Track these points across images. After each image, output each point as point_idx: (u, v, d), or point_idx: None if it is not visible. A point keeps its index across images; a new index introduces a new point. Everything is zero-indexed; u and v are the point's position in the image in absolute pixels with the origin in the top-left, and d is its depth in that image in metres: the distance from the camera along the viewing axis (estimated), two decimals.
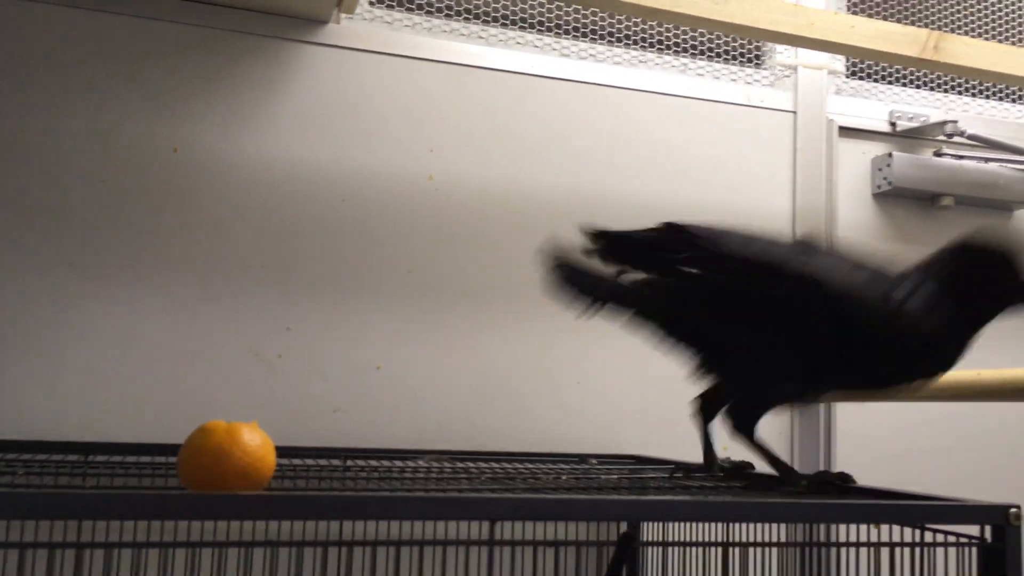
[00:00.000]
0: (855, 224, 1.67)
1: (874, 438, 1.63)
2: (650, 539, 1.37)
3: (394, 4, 1.48)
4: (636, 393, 1.51)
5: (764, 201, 1.62)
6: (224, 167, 1.36)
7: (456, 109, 1.48)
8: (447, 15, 1.51)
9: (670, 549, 1.26)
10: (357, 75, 1.44)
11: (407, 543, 0.70)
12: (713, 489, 1.06)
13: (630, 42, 1.60)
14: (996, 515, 0.83)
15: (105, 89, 1.33)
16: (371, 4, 1.46)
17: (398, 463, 1.28)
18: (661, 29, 1.62)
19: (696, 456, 1.52)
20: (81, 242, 1.30)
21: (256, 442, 0.78)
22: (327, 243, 1.40)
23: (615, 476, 1.18)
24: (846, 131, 1.68)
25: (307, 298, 1.38)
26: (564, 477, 1.13)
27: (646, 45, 1.61)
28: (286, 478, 1.03)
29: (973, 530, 0.85)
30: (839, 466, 1.61)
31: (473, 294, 1.45)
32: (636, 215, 1.54)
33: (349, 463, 1.24)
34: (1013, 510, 0.82)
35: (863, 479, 1.63)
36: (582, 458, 1.42)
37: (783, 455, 1.57)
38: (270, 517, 0.65)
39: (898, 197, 1.69)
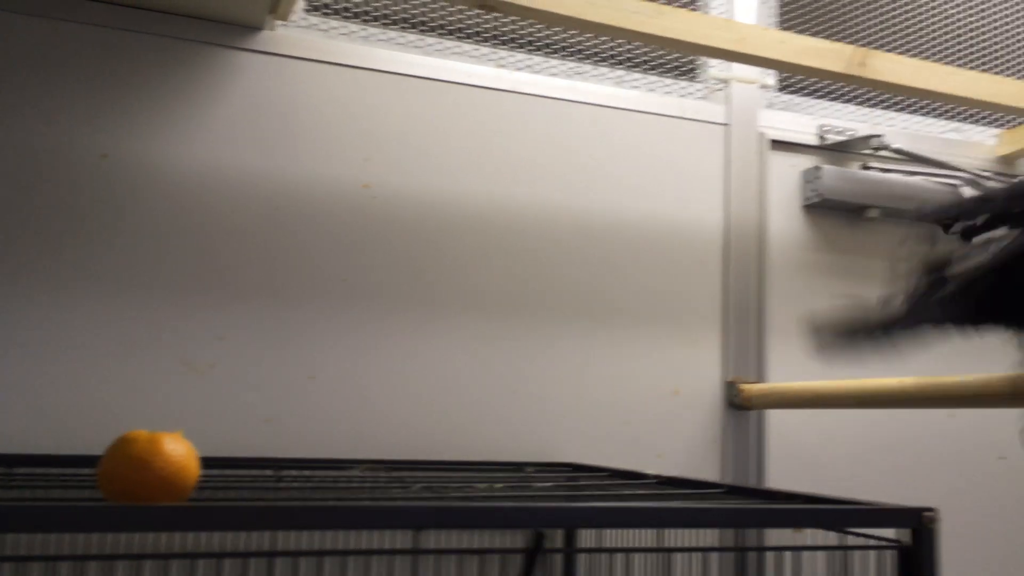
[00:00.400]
0: (785, 235, 1.71)
1: (804, 446, 1.66)
2: (586, 546, 1.38)
3: (330, 12, 1.48)
4: (574, 401, 1.52)
5: (697, 212, 1.64)
6: (154, 174, 1.34)
7: (392, 118, 1.48)
8: (384, 24, 1.51)
9: (602, 556, 1.27)
10: (292, 83, 1.43)
11: (329, 553, 0.69)
12: (645, 496, 1.07)
13: (567, 54, 1.62)
14: (912, 518, 0.85)
15: (31, 95, 1.30)
16: (307, 11, 1.46)
17: (332, 473, 1.27)
18: (598, 41, 1.64)
19: (633, 463, 1.54)
20: (2, 249, 1.26)
21: (179, 452, 0.77)
22: (261, 252, 1.38)
23: (550, 484, 1.19)
24: (777, 144, 1.72)
25: (240, 307, 1.36)
26: (499, 486, 1.13)
27: (583, 57, 1.63)
28: (213, 489, 1.02)
29: (899, 533, 0.87)
30: (770, 474, 1.64)
31: (409, 304, 1.45)
32: (572, 225, 1.56)
33: (282, 473, 1.23)
34: (927, 513, 0.85)
35: (794, 486, 1.67)
36: (519, 467, 1.42)
37: (714, 464, 1.60)
38: (189, 528, 0.64)
39: (827, 209, 1.73)
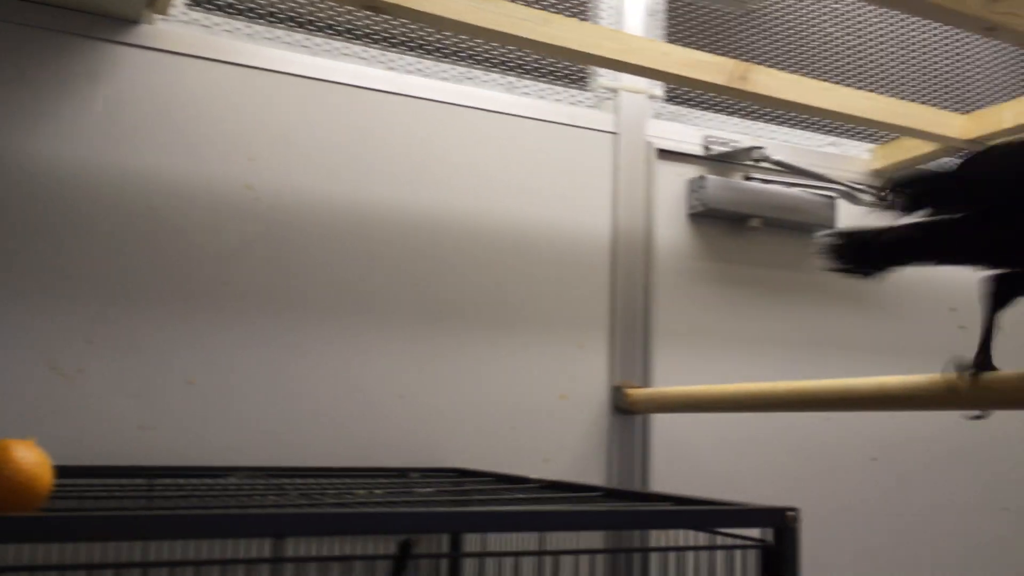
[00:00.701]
0: (671, 243, 1.74)
1: (690, 449, 1.70)
2: (472, 550, 1.37)
3: (213, 7, 1.44)
4: (462, 407, 1.52)
5: (586, 219, 1.66)
6: (24, 169, 1.28)
7: (278, 119, 1.45)
8: (270, 22, 1.48)
9: (488, 560, 1.27)
10: (172, 79, 1.38)
11: (181, 564, 0.67)
12: (523, 500, 1.08)
13: (458, 58, 1.62)
14: (775, 518, 0.88)
15: None
16: (188, 6, 1.42)
17: (208, 481, 1.23)
18: (490, 46, 1.65)
19: (521, 468, 1.54)
20: None
21: (30, 460, 0.73)
22: (135, 252, 1.33)
23: (431, 489, 1.18)
24: (664, 153, 1.76)
25: (113, 310, 1.31)
26: (379, 492, 1.12)
27: (474, 62, 1.63)
28: (78, 498, 0.97)
29: (767, 532, 0.90)
30: (656, 477, 1.67)
31: (292, 307, 1.42)
32: (459, 230, 1.56)
33: (156, 482, 1.19)
34: (790, 513, 0.88)
35: (679, 489, 1.70)
36: (402, 472, 1.41)
37: (600, 468, 1.62)
38: (36, 540, 0.61)
39: (711, 218, 1.78)
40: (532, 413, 1.58)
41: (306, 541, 1.13)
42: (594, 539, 1.52)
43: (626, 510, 0.88)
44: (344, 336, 1.45)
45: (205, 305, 1.36)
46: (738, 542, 0.90)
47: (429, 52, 1.60)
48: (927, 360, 1.95)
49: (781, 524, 0.87)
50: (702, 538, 0.94)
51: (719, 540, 0.93)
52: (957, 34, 2.10)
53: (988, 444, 2.01)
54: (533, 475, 1.47)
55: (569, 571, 1.25)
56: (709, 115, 1.83)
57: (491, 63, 1.65)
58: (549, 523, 0.81)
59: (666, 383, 1.69)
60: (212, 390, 1.35)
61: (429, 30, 1.60)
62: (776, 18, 1.92)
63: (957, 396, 1.05)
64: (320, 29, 1.52)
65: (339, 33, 1.53)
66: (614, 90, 1.72)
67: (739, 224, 1.80)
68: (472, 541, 1.42)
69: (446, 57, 1.61)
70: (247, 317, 1.39)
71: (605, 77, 1.72)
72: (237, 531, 0.61)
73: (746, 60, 1.77)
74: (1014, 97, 1.63)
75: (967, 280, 2.07)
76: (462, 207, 1.57)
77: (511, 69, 1.66)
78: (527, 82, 1.67)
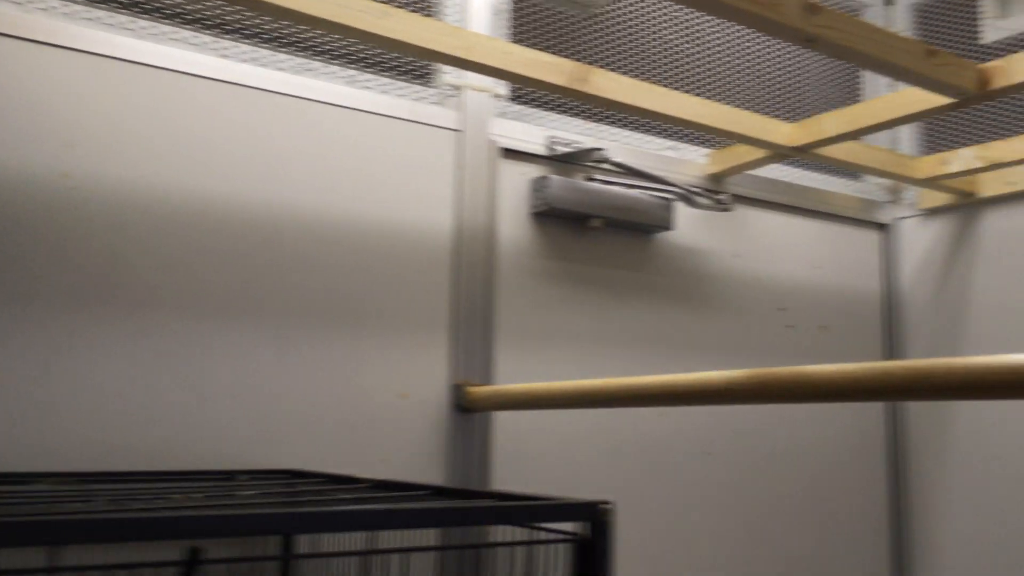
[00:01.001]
0: (514, 241, 1.75)
1: (531, 447, 1.71)
2: (304, 551, 1.34)
3: None
4: (298, 407, 1.48)
5: (429, 217, 1.65)
6: None
7: (99, 104, 1.37)
8: (91, 1, 1.40)
9: (319, 561, 1.24)
10: None
11: None
12: (350, 500, 1.05)
13: (296, 49, 1.58)
14: (590, 511, 0.89)
15: None
16: None
17: (11, 488, 1.15)
18: (330, 38, 1.61)
19: (359, 468, 1.52)
20: None
21: None
22: None
23: (255, 492, 1.14)
24: (508, 152, 1.77)
25: None
26: (197, 495, 1.07)
27: (313, 53, 1.59)
28: None
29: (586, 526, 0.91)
30: (498, 476, 1.67)
31: (111, 303, 1.35)
32: (297, 225, 1.52)
33: None
34: (603, 506, 0.89)
35: (520, 487, 1.71)
36: (230, 475, 1.36)
37: (440, 467, 1.61)
38: None
39: (554, 217, 1.80)
40: (371, 412, 1.55)
41: (93, 549, 1.08)
42: (429, 538, 1.52)
43: (439, 507, 0.87)
44: (170, 333, 1.38)
45: (12, 300, 1.28)
46: (555, 536, 0.91)
47: (266, 41, 1.55)
48: (758, 357, 2.04)
49: (595, 517, 0.88)
50: (525, 534, 0.95)
51: (542, 535, 0.94)
52: (789, 46, 2.20)
53: (816, 442, 2.11)
54: (373, 476, 1.45)
55: (398, 570, 1.23)
56: (553, 116, 1.85)
57: (332, 55, 1.61)
58: (359, 522, 0.80)
59: (509, 381, 1.70)
60: (17, 392, 1.27)
61: (267, 19, 1.55)
62: (619, 23, 1.96)
63: (769, 390, 1.10)
64: (147, 12, 1.44)
65: (168, 17, 1.46)
66: (458, 87, 1.72)
67: (580, 224, 1.83)
68: (304, 542, 1.39)
69: (284, 47, 1.57)
70: (60, 314, 1.31)
71: (450, 74, 1.72)
72: (6, 540, 0.57)
73: (590, 63, 1.80)
74: (839, 107, 1.72)
75: (795, 281, 2.19)
76: (300, 202, 1.53)
77: (353, 62, 1.63)
78: (369, 76, 1.64)
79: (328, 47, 1.61)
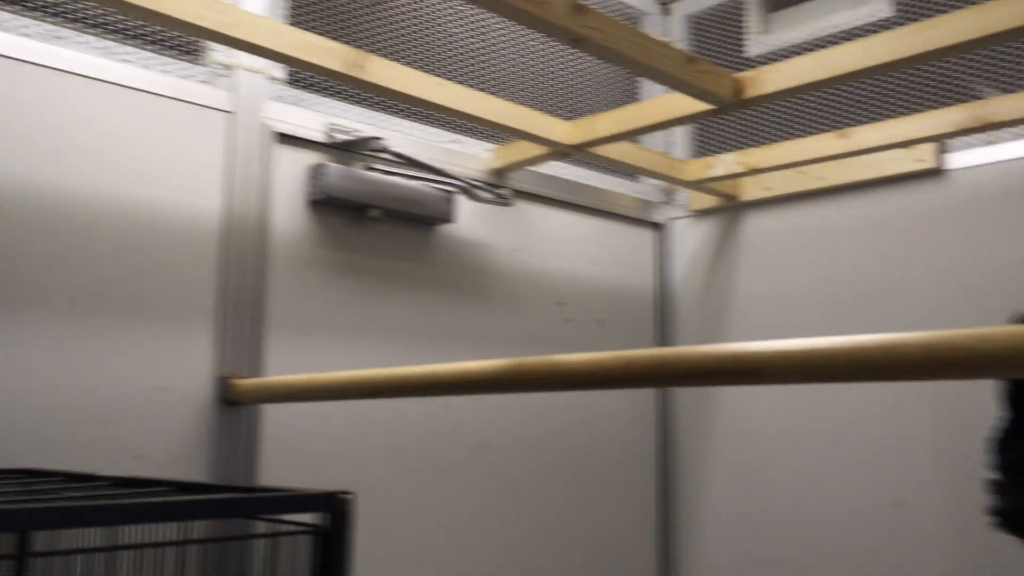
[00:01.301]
0: (289, 230, 1.70)
1: (302, 441, 1.67)
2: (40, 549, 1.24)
3: None
4: (39, 402, 1.37)
5: (195, 201, 1.57)
6: None
7: None
8: None
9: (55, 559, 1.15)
10: None
11: None
12: (80, 498, 0.98)
13: (45, 14, 1.46)
14: (330, 502, 0.87)
15: None
16: None
17: None
18: (83, 5, 1.50)
19: (109, 466, 1.41)
20: None
21: None
22: None
23: None
24: (284, 138, 1.71)
25: None
26: None
27: (64, 20, 1.48)
28: None
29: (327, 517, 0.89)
30: (265, 471, 1.62)
31: None
32: (42, 206, 1.40)
33: None
34: (343, 496, 0.87)
35: (290, 482, 1.66)
36: None
37: (203, 463, 1.54)
38: None
39: (331, 206, 1.76)
40: (124, 407, 1.46)
41: None
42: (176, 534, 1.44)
43: (171, 502, 0.82)
44: None
45: None
46: (295, 528, 0.89)
47: (10, 3, 1.42)
48: (536, 350, 2.09)
49: (335, 508, 0.87)
50: (270, 528, 0.91)
51: (283, 528, 0.91)
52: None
53: (594, 430, 2.19)
54: (126, 474, 1.37)
55: (150, 564, 1.16)
56: (333, 102, 1.81)
57: (86, 23, 1.50)
58: (86, 518, 0.74)
59: (283, 374, 1.64)
60: None
61: None
62: (403, 13, 1.94)
63: (526, 379, 1.12)
64: None
65: None
66: (230, 67, 1.65)
67: (359, 214, 1.80)
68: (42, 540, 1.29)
69: (30, 11, 1.44)
70: None
71: (220, 52, 1.64)
72: None
73: (370, 51, 1.77)
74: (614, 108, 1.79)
75: (573, 276, 2.25)
76: (48, 181, 1.41)
77: (112, 32, 1.53)
78: (129, 48, 1.54)
79: (83, 15, 1.50)
